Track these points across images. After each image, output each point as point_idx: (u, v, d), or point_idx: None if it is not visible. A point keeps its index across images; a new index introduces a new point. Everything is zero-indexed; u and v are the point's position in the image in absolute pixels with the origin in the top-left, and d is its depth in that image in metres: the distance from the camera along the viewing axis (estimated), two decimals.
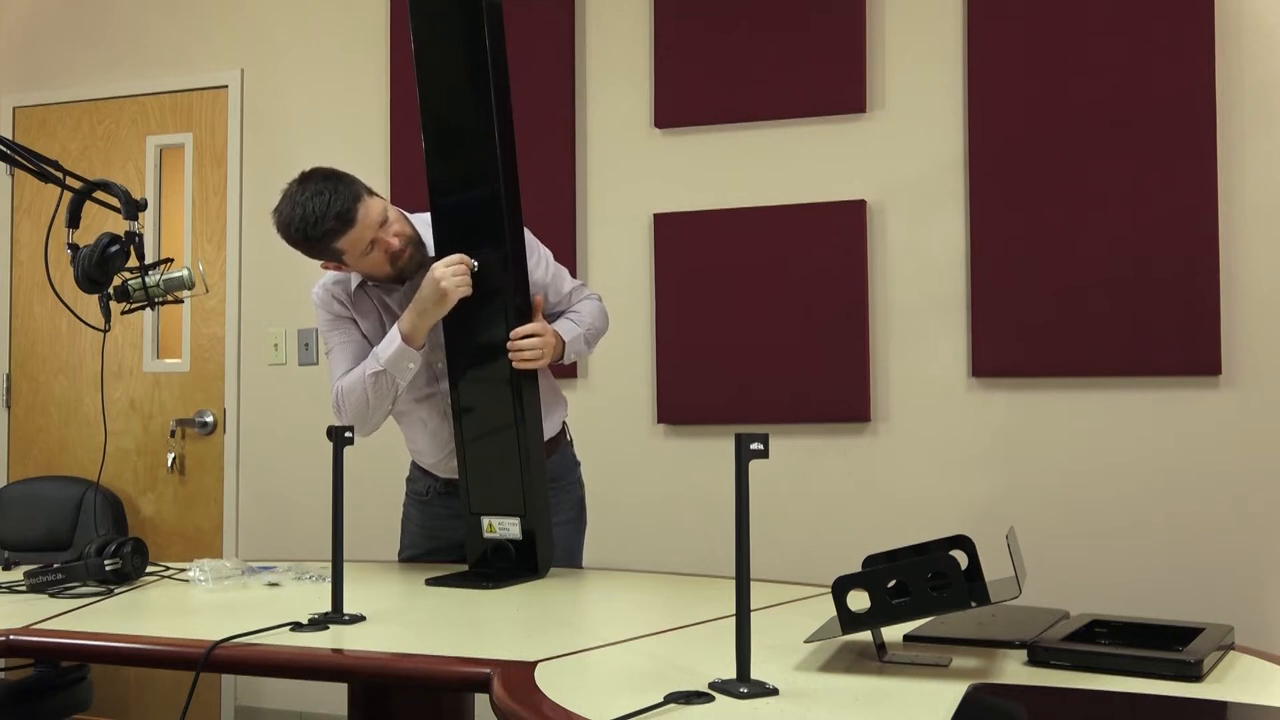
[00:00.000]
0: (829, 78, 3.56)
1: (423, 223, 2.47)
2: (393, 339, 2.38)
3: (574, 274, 3.73)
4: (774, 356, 3.56)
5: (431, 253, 2.44)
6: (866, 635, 1.59)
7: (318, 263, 2.45)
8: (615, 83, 3.81)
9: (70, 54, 4.50)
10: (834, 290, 3.52)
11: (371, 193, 2.37)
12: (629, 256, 3.77)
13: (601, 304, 2.68)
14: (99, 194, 2.32)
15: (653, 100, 3.76)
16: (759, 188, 3.63)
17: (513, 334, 2.36)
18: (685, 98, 3.70)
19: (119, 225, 2.27)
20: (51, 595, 2.24)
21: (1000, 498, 3.39)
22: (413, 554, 2.68)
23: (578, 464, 2.71)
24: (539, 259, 2.54)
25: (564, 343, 2.48)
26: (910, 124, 3.53)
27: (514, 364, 2.36)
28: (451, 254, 2.35)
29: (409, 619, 2.04)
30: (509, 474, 2.39)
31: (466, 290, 2.34)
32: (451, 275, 2.32)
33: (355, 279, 2.49)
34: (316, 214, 2.28)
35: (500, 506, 2.40)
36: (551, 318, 2.56)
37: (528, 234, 2.49)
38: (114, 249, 2.25)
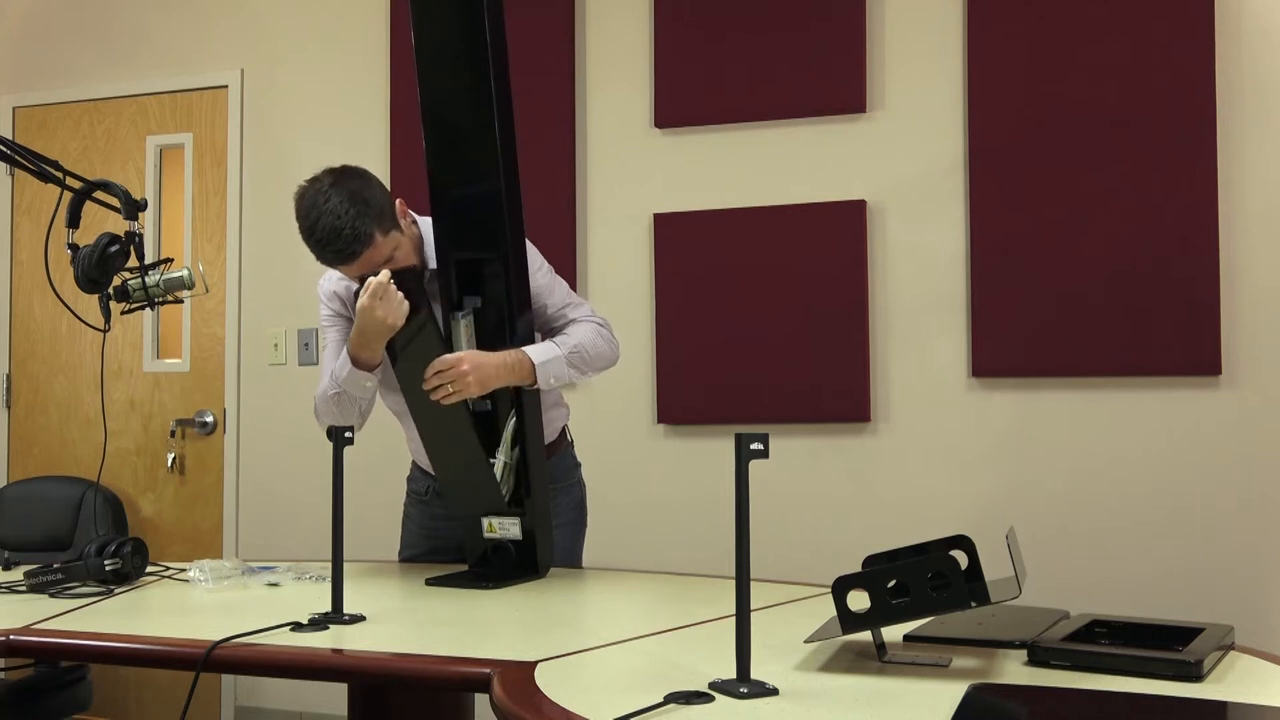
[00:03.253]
0: (829, 78, 3.56)
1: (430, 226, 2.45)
2: (345, 362, 2.35)
3: (574, 275, 3.76)
4: (774, 357, 3.56)
5: (431, 252, 2.44)
6: (866, 635, 1.59)
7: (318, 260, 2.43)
8: (615, 83, 3.81)
9: (70, 54, 4.50)
10: (834, 290, 3.52)
11: (394, 226, 2.30)
12: (629, 256, 3.77)
13: (604, 330, 2.52)
14: (99, 194, 2.32)
15: (653, 100, 3.76)
16: (759, 188, 3.63)
17: (427, 371, 2.27)
18: (685, 98, 3.70)
19: (119, 225, 2.27)
20: (51, 595, 2.24)
21: (1000, 498, 3.39)
22: (412, 554, 2.68)
23: (578, 465, 2.71)
24: (538, 265, 2.50)
25: (531, 365, 2.35)
26: (910, 124, 3.53)
27: (434, 400, 2.27)
28: (375, 274, 2.25)
29: (409, 619, 2.04)
30: (487, 476, 2.38)
31: (405, 308, 2.26)
32: (391, 306, 2.24)
33: (358, 282, 2.47)
34: (322, 234, 2.23)
35: (489, 508, 2.40)
36: (547, 332, 2.53)
37: (530, 244, 2.47)
38: (114, 249, 2.25)
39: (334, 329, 2.52)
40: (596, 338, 2.48)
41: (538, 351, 2.37)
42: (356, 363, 2.34)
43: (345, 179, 2.28)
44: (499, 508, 2.39)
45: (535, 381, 2.36)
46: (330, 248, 2.24)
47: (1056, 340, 3.34)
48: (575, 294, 2.59)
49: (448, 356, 2.28)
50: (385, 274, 2.24)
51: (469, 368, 2.26)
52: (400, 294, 2.25)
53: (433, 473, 2.63)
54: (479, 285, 2.37)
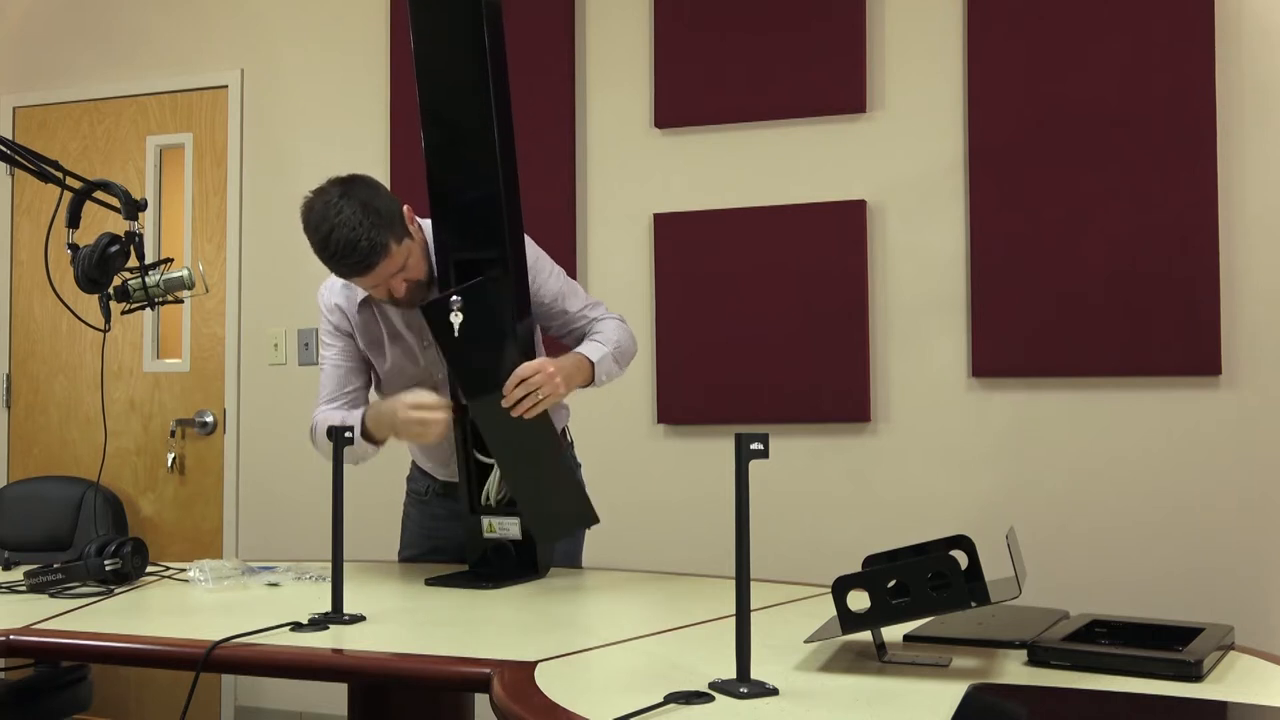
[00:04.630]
0: (829, 78, 3.56)
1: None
2: (357, 424, 2.37)
3: (574, 275, 3.75)
4: (774, 357, 3.56)
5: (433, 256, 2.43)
6: (866, 635, 1.59)
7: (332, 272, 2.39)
8: (615, 83, 3.81)
9: (70, 54, 4.50)
10: (834, 290, 3.52)
11: (405, 233, 2.27)
12: (629, 256, 3.77)
13: (625, 325, 2.55)
14: (99, 194, 2.32)
15: (653, 100, 3.76)
16: (759, 188, 3.63)
17: (505, 388, 2.24)
18: (685, 98, 3.70)
19: (119, 225, 2.27)
20: (51, 595, 2.24)
21: (1000, 498, 3.39)
22: (412, 554, 2.68)
23: (578, 465, 2.71)
24: (551, 271, 2.50)
25: (591, 364, 2.38)
26: (910, 124, 3.53)
27: (518, 415, 2.24)
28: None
29: (409, 619, 2.04)
30: (577, 489, 2.42)
31: (442, 433, 2.29)
32: (430, 429, 2.26)
33: (361, 292, 2.44)
34: (336, 247, 2.19)
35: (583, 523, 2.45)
36: (569, 335, 2.54)
37: (537, 249, 2.48)
38: (114, 249, 2.25)
39: (333, 347, 2.50)
40: (625, 334, 2.52)
41: (592, 351, 2.40)
42: (368, 436, 2.37)
43: (354, 188, 2.24)
44: (592, 520, 2.42)
45: (593, 381, 2.39)
46: (346, 260, 2.21)
47: (1056, 340, 3.34)
48: (588, 294, 2.60)
49: (528, 365, 2.25)
50: (445, 409, 2.26)
51: (555, 369, 2.26)
52: (444, 422, 2.26)
53: (434, 474, 2.63)
54: (486, 300, 2.36)
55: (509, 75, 2.36)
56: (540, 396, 2.24)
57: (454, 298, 2.22)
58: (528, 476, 2.36)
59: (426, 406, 2.27)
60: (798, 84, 3.59)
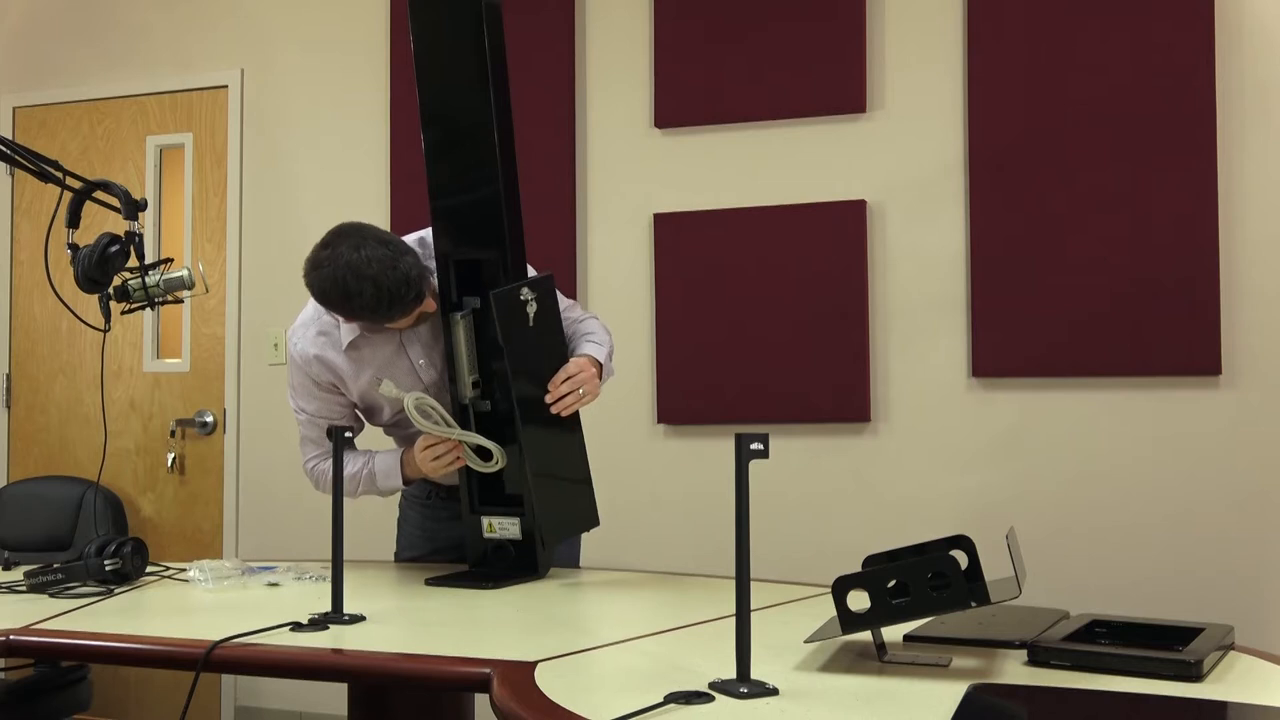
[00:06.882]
0: (829, 78, 3.56)
1: (418, 241, 2.40)
2: (393, 479, 2.44)
3: (574, 275, 3.77)
4: (774, 357, 3.56)
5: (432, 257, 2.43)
6: (866, 635, 1.59)
7: (369, 319, 2.33)
8: (615, 83, 3.81)
9: (70, 54, 4.50)
10: (834, 290, 3.52)
11: (426, 279, 2.27)
12: (629, 256, 3.77)
13: (603, 322, 2.60)
14: (99, 194, 2.32)
15: (653, 100, 3.76)
16: (759, 188, 3.63)
17: (550, 384, 2.28)
18: (685, 98, 3.70)
19: (119, 225, 2.27)
20: (51, 595, 2.25)
21: (1000, 498, 3.39)
22: (411, 555, 2.67)
23: None
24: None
25: (600, 365, 2.42)
26: (910, 124, 3.53)
27: (560, 413, 2.29)
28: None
29: (409, 619, 2.04)
30: (587, 488, 2.44)
31: (456, 466, 2.34)
32: (449, 455, 2.32)
33: (349, 334, 2.40)
34: (391, 290, 2.15)
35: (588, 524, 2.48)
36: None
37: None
38: (114, 249, 2.25)
39: (312, 402, 2.51)
40: (608, 334, 2.56)
41: (595, 353, 2.44)
42: (407, 481, 2.46)
43: (355, 237, 2.19)
44: (594, 522, 2.45)
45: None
46: (404, 299, 2.18)
47: (1056, 340, 3.34)
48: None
49: (573, 363, 2.31)
50: (444, 439, 2.30)
51: (593, 370, 2.33)
52: (455, 447, 2.32)
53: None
54: (478, 288, 2.37)
55: (509, 75, 2.36)
56: (582, 394, 2.30)
57: (525, 289, 2.26)
58: (551, 475, 2.38)
59: (432, 446, 2.33)
60: (798, 84, 3.59)
